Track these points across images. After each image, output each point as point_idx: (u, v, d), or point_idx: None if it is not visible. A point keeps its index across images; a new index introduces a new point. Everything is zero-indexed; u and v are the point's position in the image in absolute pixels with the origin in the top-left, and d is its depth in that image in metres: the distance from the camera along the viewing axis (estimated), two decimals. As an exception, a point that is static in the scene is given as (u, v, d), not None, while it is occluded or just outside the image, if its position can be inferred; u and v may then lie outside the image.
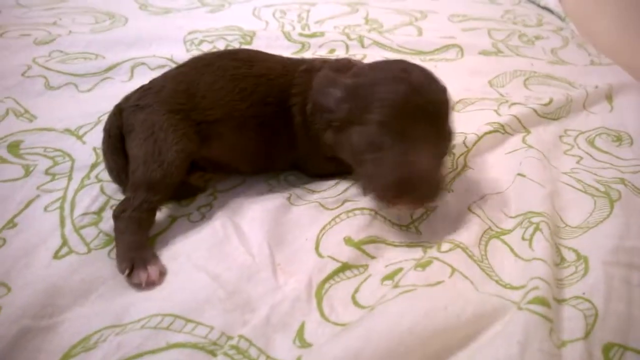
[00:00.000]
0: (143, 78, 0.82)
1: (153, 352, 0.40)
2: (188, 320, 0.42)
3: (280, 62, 0.63)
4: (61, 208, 0.55)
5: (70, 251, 0.49)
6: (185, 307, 0.44)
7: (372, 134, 0.50)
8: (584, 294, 0.45)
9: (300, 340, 0.41)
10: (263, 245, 0.51)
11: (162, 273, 0.48)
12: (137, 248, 0.49)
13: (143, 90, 0.60)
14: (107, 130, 0.58)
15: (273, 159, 0.61)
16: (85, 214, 0.54)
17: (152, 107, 0.57)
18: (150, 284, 0.47)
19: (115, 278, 0.47)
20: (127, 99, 0.60)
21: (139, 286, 0.46)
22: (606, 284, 0.46)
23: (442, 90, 0.53)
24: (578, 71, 0.93)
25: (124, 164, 0.56)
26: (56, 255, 0.48)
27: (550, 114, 0.75)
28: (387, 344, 0.36)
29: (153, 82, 0.61)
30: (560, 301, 0.45)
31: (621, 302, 0.45)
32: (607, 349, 0.41)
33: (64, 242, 0.50)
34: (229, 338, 0.41)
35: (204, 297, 0.45)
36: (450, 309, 0.40)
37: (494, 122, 0.70)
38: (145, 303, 0.44)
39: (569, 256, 0.50)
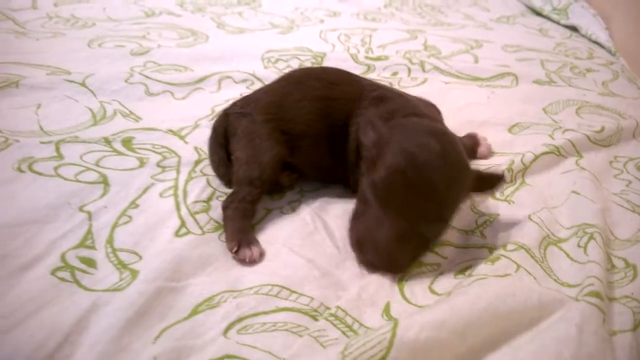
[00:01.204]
0: (229, 90, 0.93)
1: (266, 313, 0.48)
2: (292, 291, 0.51)
3: (359, 86, 0.69)
4: (175, 195, 0.64)
5: (188, 232, 0.58)
6: (288, 280, 0.52)
7: (366, 187, 0.54)
8: (632, 294, 0.51)
9: (387, 315, 0.49)
10: (347, 240, 0.59)
11: (262, 254, 0.57)
12: (242, 232, 0.57)
13: (246, 99, 0.69)
14: (215, 129, 0.69)
15: (342, 174, 0.67)
16: (196, 201, 0.63)
17: (252, 116, 0.66)
18: (252, 262, 0.55)
19: (226, 256, 0.56)
20: (233, 105, 0.70)
21: (243, 262, 0.55)
22: (654, 288, 0.52)
23: (453, 168, 0.52)
24: (628, 103, 0.99)
25: (224, 158, 0.67)
26: (177, 234, 0.57)
27: (601, 140, 0.82)
28: (467, 318, 0.43)
29: (255, 93, 0.71)
30: (611, 299, 0.51)
31: (666, 304, 0.51)
32: (653, 341, 0.47)
33: (182, 224, 0.59)
34: (327, 308, 0.49)
35: (302, 275, 0.53)
36: (518, 295, 0.47)
37: (550, 144, 0.76)
38: (254, 275, 0.53)
39: (619, 264, 0.57)
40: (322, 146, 0.66)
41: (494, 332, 0.45)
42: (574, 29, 1.44)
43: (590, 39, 1.36)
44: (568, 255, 0.57)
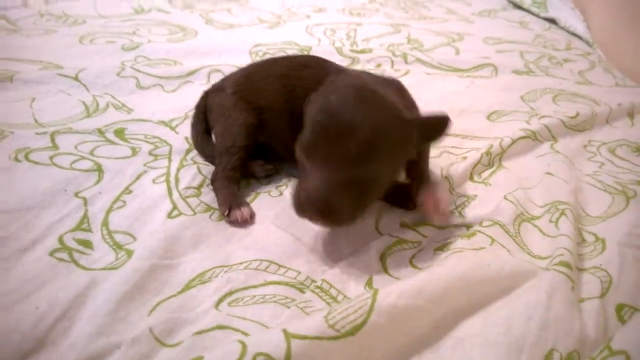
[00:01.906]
0: (217, 82, 0.96)
1: (255, 286, 0.51)
2: (280, 266, 0.54)
3: (327, 71, 0.67)
4: (167, 181, 0.67)
5: (180, 213, 0.61)
6: (276, 256, 0.55)
7: (297, 151, 0.53)
8: (600, 265, 0.55)
9: (370, 287, 0.52)
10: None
11: (252, 215, 0.62)
12: (231, 196, 0.62)
13: (223, 78, 0.77)
14: (197, 108, 0.77)
15: None
16: (188, 187, 0.66)
17: (225, 91, 0.73)
18: (244, 222, 0.60)
19: (217, 234, 0.59)
20: (212, 85, 0.77)
21: (236, 223, 0.60)
22: (620, 259, 0.55)
23: (374, 112, 0.51)
24: (603, 91, 1.03)
25: (203, 132, 0.74)
26: (169, 216, 0.60)
27: (576, 125, 0.85)
28: (444, 285, 0.47)
29: (233, 72, 0.77)
30: (580, 270, 0.54)
31: (632, 274, 0.54)
32: (619, 308, 0.51)
33: (174, 207, 0.62)
34: (313, 281, 0.52)
35: (291, 251, 0.56)
36: (492, 265, 0.50)
37: (527, 129, 0.80)
38: (244, 252, 0.56)
39: (589, 238, 0.60)
40: (284, 122, 0.67)
41: (469, 299, 0.48)
42: (552, 21, 1.48)
43: (568, 31, 1.40)
44: (541, 231, 0.60)
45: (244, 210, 0.60)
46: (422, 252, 0.58)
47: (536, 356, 0.43)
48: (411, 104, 0.63)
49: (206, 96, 0.77)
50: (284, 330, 0.40)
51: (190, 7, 1.43)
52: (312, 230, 0.59)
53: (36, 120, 0.80)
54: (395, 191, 0.62)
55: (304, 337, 0.40)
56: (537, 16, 1.53)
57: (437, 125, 0.55)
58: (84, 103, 0.86)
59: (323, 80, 0.63)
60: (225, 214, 0.60)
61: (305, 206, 0.52)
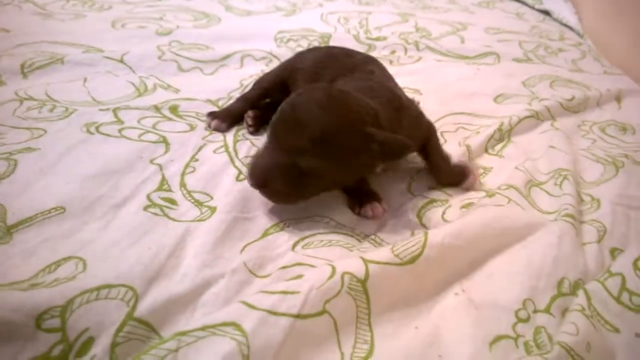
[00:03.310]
0: (250, 67, 1.06)
1: (322, 233, 0.62)
2: (338, 222, 0.65)
3: (355, 64, 0.80)
4: (227, 152, 0.77)
5: (246, 177, 0.71)
6: (333, 214, 0.66)
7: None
8: (597, 218, 0.67)
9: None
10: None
11: (221, 130, 0.83)
12: (226, 110, 0.86)
13: None
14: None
15: None
16: (246, 156, 0.76)
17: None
18: (216, 129, 0.83)
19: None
20: None
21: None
22: (612, 214, 0.68)
23: (329, 113, 0.58)
24: (593, 78, 1.16)
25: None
26: (237, 179, 0.70)
27: (572, 107, 0.98)
28: (475, 230, 0.58)
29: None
30: (581, 222, 0.67)
31: (622, 226, 0.67)
32: (612, 250, 0.63)
33: (239, 172, 0.72)
34: (367, 235, 0.64)
35: (341, 212, 0.67)
36: (511, 217, 0.62)
37: (530, 109, 0.92)
38: (306, 209, 0.66)
39: (586, 199, 0.72)
40: (307, 83, 0.78)
41: (495, 242, 0.60)
42: (546, 13, 1.60)
43: (561, 23, 1.53)
44: (547, 192, 0.72)
45: (214, 122, 0.80)
46: (450, 209, 0.69)
47: (551, 283, 0.55)
48: (398, 123, 0.67)
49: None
50: (362, 257, 0.51)
51: (208, -6, 1.51)
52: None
53: (94, 99, 0.88)
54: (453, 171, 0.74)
55: (377, 262, 0.51)
56: (532, 8, 1.65)
57: (397, 148, 0.60)
58: (132, 84, 0.95)
59: (346, 71, 0.76)
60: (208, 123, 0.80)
61: (250, 175, 0.61)
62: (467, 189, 0.73)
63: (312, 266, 0.57)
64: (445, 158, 0.74)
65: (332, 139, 0.57)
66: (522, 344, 0.50)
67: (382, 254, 0.53)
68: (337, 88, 0.64)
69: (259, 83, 0.88)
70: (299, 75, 0.82)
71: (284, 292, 0.48)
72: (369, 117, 0.60)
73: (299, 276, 0.50)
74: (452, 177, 0.73)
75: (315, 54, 0.86)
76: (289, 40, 1.19)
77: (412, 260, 0.53)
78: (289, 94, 0.82)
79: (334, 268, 0.50)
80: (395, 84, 0.79)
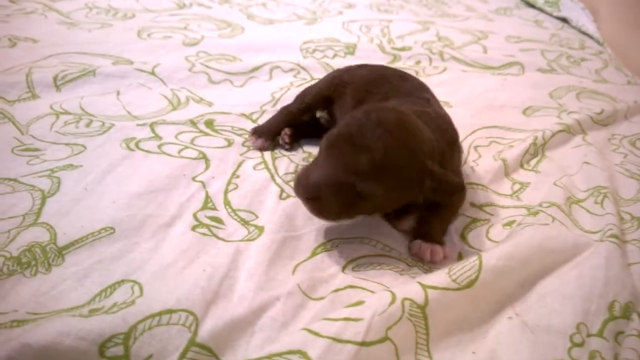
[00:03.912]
0: (280, 79, 1.06)
1: (370, 256, 0.62)
2: (385, 245, 0.65)
3: (408, 91, 0.79)
4: (267, 169, 0.77)
5: (289, 195, 0.71)
6: (382, 236, 0.67)
7: (322, 141, 0.61)
8: (639, 237, 0.68)
9: (461, 259, 0.64)
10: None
11: (265, 148, 0.83)
12: (269, 125, 0.86)
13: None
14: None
15: None
16: (286, 173, 0.76)
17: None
18: (257, 148, 0.82)
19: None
20: None
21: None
22: (654, 233, 0.69)
23: (393, 139, 0.57)
24: (617, 89, 1.16)
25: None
26: (280, 197, 0.71)
27: (601, 121, 0.98)
28: (527, 251, 0.59)
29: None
30: (624, 241, 0.67)
31: (664, 245, 0.67)
32: (656, 270, 0.64)
33: (282, 190, 0.72)
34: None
35: (388, 232, 0.68)
36: (559, 237, 0.62)
37: (562, 123, 0.92)
38: (356, 229, 0.67)
39: (626, 217, 0.73)
40: (355, 101, 0.78)
41: (544, 263, 0.60)
42: (564, 20, 1.60)
43: (580, 30, 1.53)
44: (588, 211, 0.73)
45: (259, 142, 0.80)
46: (493, 228, 0.70)
47: (603, 305, 0.56)
48: (450, 157, 0.68)
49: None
50: (420, 283, 0.52)
51: (228, 2, 1.51)
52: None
53: (129, 113, 0.89)
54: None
55: (435, 288, 0.52)
56: (550, 15, 1.65)
57: (449, 188, 0.61)
58: (165, 97, 0.95)
59: (394, 94, 0.76)
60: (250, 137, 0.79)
61: (299, 185, 0.59)
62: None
63: (364, 289, 0.57)
64: (443, 223, 0.68)
65: (393, 167, 0.57)
66: (579, 368, 0.51)
67: (440, 279, 0.53)
68: (406, 112, 0.62)
69: (301, 97, 0.87)
70: (348, 91, 0.81)
71: (347, 319, 0.49)
72: (428, 149, 0.60)
73: (360, 302, 0.51)
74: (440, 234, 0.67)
75: (367, 72, 0.84)
76: (314, 50, 1.19)
77: (470, 284, 0.53)
78: (332, 108, 0.83)
79: (393, 294, 0.51)
80: (447, 116, 0.76)
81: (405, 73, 0.88)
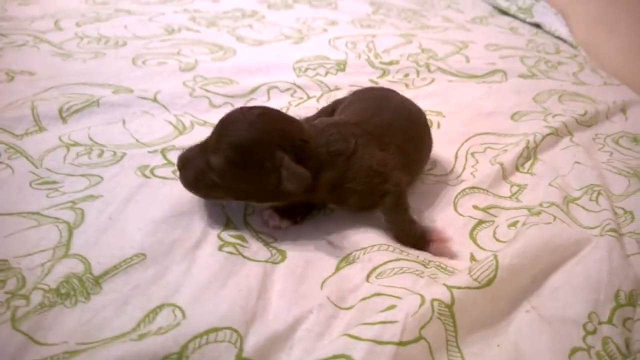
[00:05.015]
0: (278, 99, 1.10)
1: (391, 261, 0.66)
2: (402, 250, 0.69)
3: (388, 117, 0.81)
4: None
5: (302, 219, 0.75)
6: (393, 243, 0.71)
7: None
8: (634, 230, 0.73)
9: (473, 259, 0.69)
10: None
11: (278, 227, 0.74)
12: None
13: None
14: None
15: None
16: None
17: None
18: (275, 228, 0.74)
19: (342, 231, 0.74)
20: None
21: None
22: (647, 226, 0.74)
23: (252, 137, 0.65)
24: (596, 90, 1.23)
25: None
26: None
27: (585, 122, 1.05)
28: (536, 249, 0.63)
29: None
30: (620, 234, 0.73)
31: (656, 237, 0.73)
32: (654, 260, 0.69)
33: (298, 206, 0.76)
34: (430, 260, 0.68)
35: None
36: (562, 235, 0.67)
37: (550, 126, 0.98)
38: (372, 236, 0.71)
39: (619, 212, 0.79)
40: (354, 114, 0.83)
41: (552, 259, 0.65)
42: (538, 26, 1.68)
43: (553, 35, 1.61)
44: (584, 208, 0.78)
45: (275, 220, 0.72)
46: (499, 229, 0.75)
47: (610, 295, 0.61)
48: (332, 167, 0.69)
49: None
50: (445, 284, 0.56)
51: (215, 25, 1.54)
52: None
53: (138, 140, 0.91)
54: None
55: (459, 287, 0.56)
56: (524, 21, 1.73)
57: (297, 176, 0.63)
58: (170, 123, 0.98)
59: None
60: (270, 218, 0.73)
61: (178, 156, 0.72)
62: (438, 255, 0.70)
63: (390, 296, 0.61)
64: (406, 220, 0.71)
65: (240, 146, 0.65)
66: (595, 354, 0.55)
67: (462, 279, 0.58)
68: (273, 110, 0.71)
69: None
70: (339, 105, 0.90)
71: (383, 322, 0.52)
72: (289, 144, 0.65)
73: (392, 306, 0.55)
74: (411, 239, 0.71)
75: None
76: (307, 69, 1.23)
77: (489, 282, 0.58)
78: None
79: (422, 296, 0.55)
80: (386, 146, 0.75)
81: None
